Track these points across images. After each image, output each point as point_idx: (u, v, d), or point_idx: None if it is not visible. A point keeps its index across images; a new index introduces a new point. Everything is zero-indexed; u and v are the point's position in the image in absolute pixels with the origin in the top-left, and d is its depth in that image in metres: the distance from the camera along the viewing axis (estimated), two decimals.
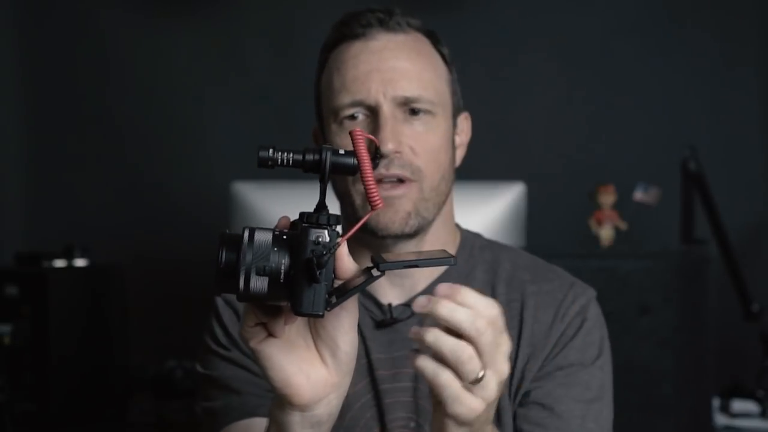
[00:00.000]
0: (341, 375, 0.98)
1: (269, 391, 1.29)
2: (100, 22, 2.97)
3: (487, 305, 0.94)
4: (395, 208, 1.28)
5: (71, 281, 2.47)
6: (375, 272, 0.93)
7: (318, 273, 0.89)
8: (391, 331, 1.31)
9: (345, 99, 1.29)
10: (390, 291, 1.33)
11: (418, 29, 1.35)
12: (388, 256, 0.96)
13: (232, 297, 1.37)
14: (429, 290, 1.35)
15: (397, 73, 1.29)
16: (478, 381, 0.93)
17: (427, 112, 1.30)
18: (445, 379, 0.93)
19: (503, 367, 0.96)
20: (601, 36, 2.91)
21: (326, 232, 0.90)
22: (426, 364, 0.94)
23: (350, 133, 0.92)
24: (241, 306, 1.36)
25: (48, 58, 2.99)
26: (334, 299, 0.92)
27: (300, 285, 0.90)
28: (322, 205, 0.92)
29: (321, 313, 0.91)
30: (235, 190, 2.15)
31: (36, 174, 3.00)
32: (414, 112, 1.29)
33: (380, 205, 0.91)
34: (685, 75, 2.90)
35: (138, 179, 2.98)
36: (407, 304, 1.33)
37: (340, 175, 0.93)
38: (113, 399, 2.53)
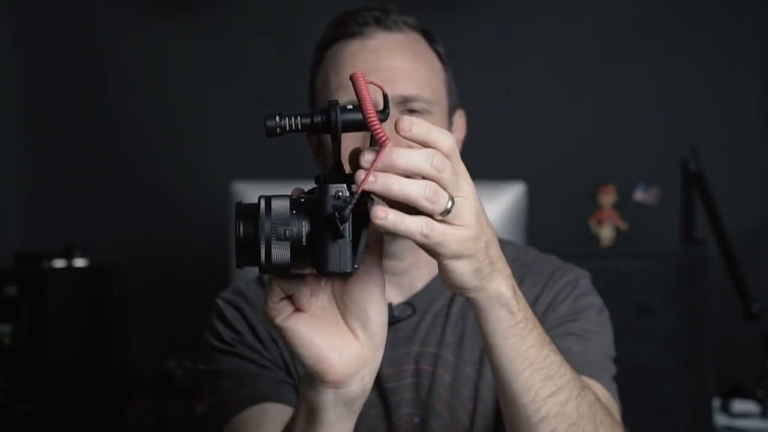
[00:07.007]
0: (374, 347, 0.95)
1: (281, 381, 1.28)
2: (101, 22, 2.97)
3: (441, 135, 0.89)
4: None
5: (71, 281, 2.47)
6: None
7: (342, 228, 0.85)
8: (393, 330, 1.30)
9: (342, 98, 1.27)
10: (389, 290, 1.32)
11: (414, 28, 1.34)
12: None
13: (233, 297, 1.38)
14: (428, 288, 1.35)
15: (395, 72, 1.28)
16: (448, 211, 0.88)
17: (425, 111, 1.30)
18: (416, 223, 0.87)
19: (469, 190, 0.91)
20: (601, 36, 2.91)
21: (345, 186, 0.86)
22: (383, 213, 0.85)
23: (351, 76, 0.87)
24: (243, 305, 1.36)
25: (48, 58, 2.99)
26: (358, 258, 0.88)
27: (324, 243, 0.86)
28: (338, 165, 0.89)
29: (349, 270, 0.86)
30: (235, 190, 2.15)
31: (36, 174, 3.00)
32: (411, 111, 1.29)
33: (387, 140, 0.86)
34: (685, 75, 2.89)
35: (138, 179, 2.98)
36: (408, 303, 1.34)
37: (351, 131, 0.88)
38: (113, 399, 2.53)
